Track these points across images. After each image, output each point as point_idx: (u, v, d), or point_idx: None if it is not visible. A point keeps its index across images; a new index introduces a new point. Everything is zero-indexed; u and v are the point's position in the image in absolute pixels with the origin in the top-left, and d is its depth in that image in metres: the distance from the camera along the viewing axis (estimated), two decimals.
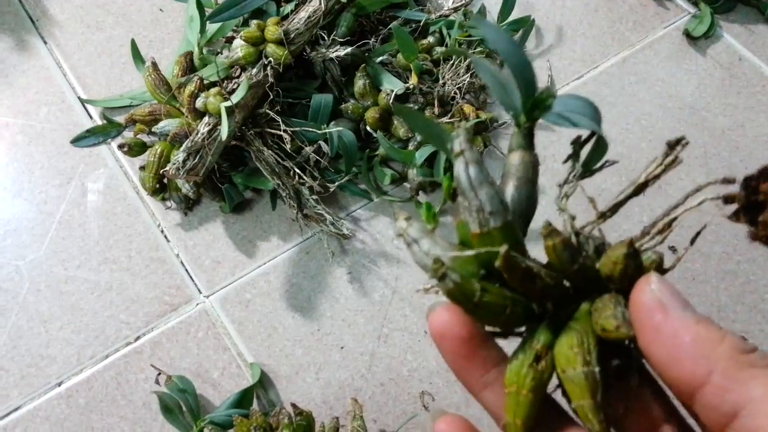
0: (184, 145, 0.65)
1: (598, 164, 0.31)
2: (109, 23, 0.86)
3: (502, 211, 0.27)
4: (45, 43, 0.85)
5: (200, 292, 0.71)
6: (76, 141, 0.77)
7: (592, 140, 0.31)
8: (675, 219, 0.28)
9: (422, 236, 0.30)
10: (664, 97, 0.84)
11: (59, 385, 0.66)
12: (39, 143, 0.78)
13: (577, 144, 0.31)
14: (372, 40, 0.77)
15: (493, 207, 0.27)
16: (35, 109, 0.80)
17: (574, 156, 0.31)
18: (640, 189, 0.30)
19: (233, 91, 0.68)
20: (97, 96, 0.81)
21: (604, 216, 0.30)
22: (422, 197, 0.75)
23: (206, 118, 0.67)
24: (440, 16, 0.82)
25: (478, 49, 0.80)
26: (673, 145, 0.29)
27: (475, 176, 0.28)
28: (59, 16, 0.87)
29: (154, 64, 0.75)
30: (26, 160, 0.77)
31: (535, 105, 0.29)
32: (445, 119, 0.73)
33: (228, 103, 0.64)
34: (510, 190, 0.31)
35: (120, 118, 0.79)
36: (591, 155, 0.31)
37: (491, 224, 0.27)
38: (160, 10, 0.87)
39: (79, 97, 0.81)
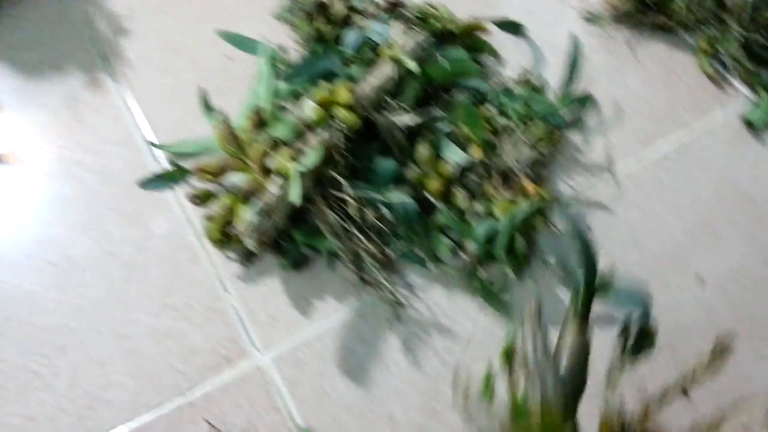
0: (255, 206, 0.67)
1: (644, 353, 0.32)
2: (180, 68, 0.88)
3: (560, 393, 0.29)
4: (117, 83, 0.87)
5: (255, 348, 0.72)
6: (144, 184, 0.79)
7: (640, 330, 0.32)
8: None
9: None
10: (721, 184, 0.84)
11: (113, 429, 0.67)
12: (107, 183, 0.80)
13: (624, 335, 0.32)
14: (436, 108, 0.78)
15: (552, 387, 0.29)
16: (105, 149, 0.82)
17: (621, 347, 0.32)
18: (684, 390, 0.31)
19: (302, 152, 0.70)
20: (164, 139, 0.83)
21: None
22: (479, 271, 0.76)
23: (277, 179, 0.68)
24: (502, 87, 0.84)
25: (538, 121, 0.81)
26: (718, 350, 0.30)
27: (539, 359, 0.29)
28: (132, 57, 0.89)
29: (226, 118, 0.76)
30: (94, 198, 0.79)
31: (594, 292, 0.31)
32: (505, 194, 0.74)
33: (301, 168, 0.66)
34: (564, 367, 0.32)
35: (186, 164, 0.80)
36: (638, 345, 0.32)
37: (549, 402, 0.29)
38: (229, 58, 0.89)
39: (147, 140, 0.82)
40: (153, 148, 0.82)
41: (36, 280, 0.74)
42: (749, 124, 0.88)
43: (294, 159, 0.69)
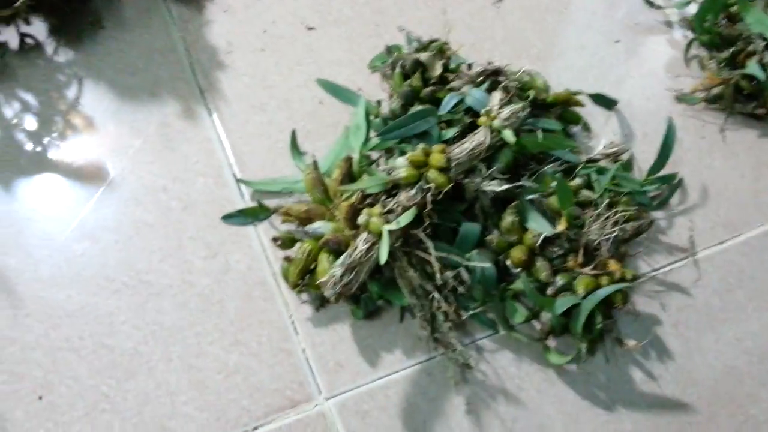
0: (341, 260, 0.68)
1: None
2: (272, 107, 0.91)
3: None
4: (210, 114, 0.90)
5: (320, 393, 0.72)
6: (227, 218, 0.81)
7: None
8: None
9: None
10: None
11: None
12: (191, 212, 0.82)
13: None
14: (526, 177, 0.78)
15: None
16: (192, 178, 0.84)
17: None
18: None
19: (391, 211, 0.70)
20: (250, 176, 0.85)
21: None
22: (551, 340, 0.75)
23: (365, 235, 0.69)
24: (590, 160, 0.84)
25: (624, 198, 0.80)
26: None
27: None
28: (227, 91, 0.92)
29: (315, 164, 0.78)
30: (177, 226, 0.81)
31: None
32: (587, 269, 0.74)
33: (393, 227, 0.67)
34: None
35: (269, 202, 0.82)
36: None
37: None
38: (320, 103, 0.91)
39: (234, 175, 0.84)
40: (239, 183, 0.84)
41: (113, 302, 0.76)
42: None
43: (383, 217, 0.69)
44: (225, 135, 0.88)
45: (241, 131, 0.88)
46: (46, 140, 0.86)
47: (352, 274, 0.68)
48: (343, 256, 0.68)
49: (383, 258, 0.66)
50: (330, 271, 0.67)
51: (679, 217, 0.85)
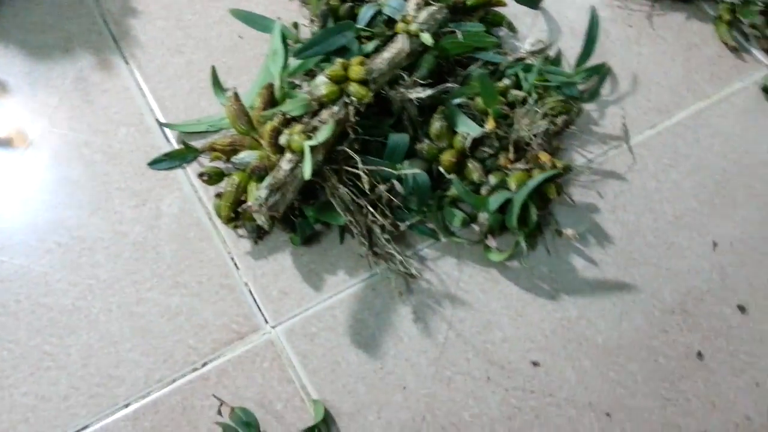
0: (266, 182, 0.66)
1: None
2: (190, 47, 0.88)
3: None
4: (126, 63, 0.87)
5: (267, 323, 0.71)
6: (154, 164, 0.79)
7: None
8: None
9: None
10: (740, 152, 0.82)
11: (126, 406, 0.67)
12: (116, 163, 0.80)
13: None
14: (450, 81, 0.77)
15: None
16: (114, 129, 0.82)
17: None
18: None
19: (315, 128, 0.69)
20: (174, 119, 0.82)
21: None
22: (491, 240, 0.75)
23: (288, 155, 0.67)
24: (517, 59, 0.82)
25: (553, 92, 0.79)
26: None
27: None
28: (141, 37, 0.89)
29: (236, 95, 0.76)
30: (104, 179, 0.79)
31: None
32: (519, 165, 0.73)
33: (313, 142, 0.65)
34: None
35: (197, 143, 0.80)
36: None
37: None
38: (240, 37, 0.88)
39: (157, 120, 0.82)
40: (163, 128, 0.82)
41: (47, 261, 0.74)
42: (767, 92, 0.86)
43: (306, 135, 0.68)
44: (144, 81, 0.85)
45: (160, 76, 0.86)
46: None
47: (278, 195, 0.66)
48: (267, 178, 0.66)
49: (307, 174, 0.64)
50: (256, 194, 0.66)
51: (611, 106, 0.85)
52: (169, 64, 0.86)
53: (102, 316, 0.71)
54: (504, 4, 0.87)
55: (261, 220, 0.70)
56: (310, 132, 0.68)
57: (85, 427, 0.66)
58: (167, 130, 0.82)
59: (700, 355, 0.71)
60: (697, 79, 0.88)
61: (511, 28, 0.89)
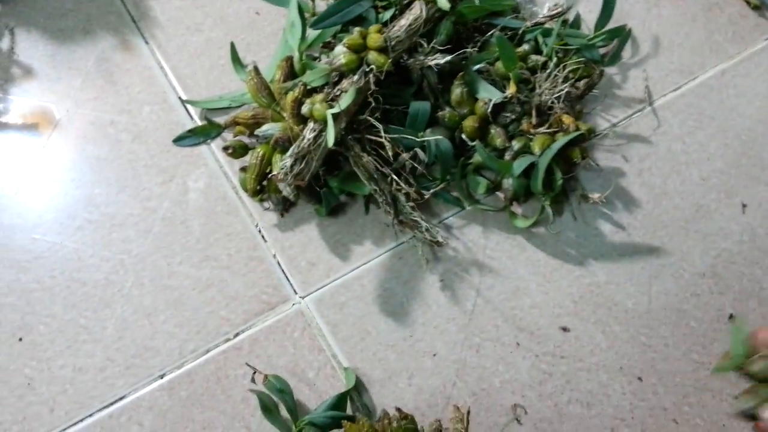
0: (290, 151, 0.66)
1: None
2: (208, 25, 0.88)
3: None
4: (147, 43, 0.87)
5: (296, 293, 0.72)
6: (178, 140, 0.80)
7: None
8: None
9: None
10: (765, 111, 0.81)
11: (162, 377, 0.68)
12: (142, 141, 0.80)
13: None
14: (469, 47, 0.76)
15: None
16: (138, 108, 0.82)
17: None
18: None
19: (336, 97, 0.69)
20: (196, 96, 0.83)
21: None
22: (515, 206, 0.74)
23: (311, 124, 0.68)
24: (535, 24, 0.81)
25: (573, 56, 0.79)
26: None
27: None
28: (160, 17, 0.89)
29: (256, 69, 0.76)
30: (130, 157, 0.79)
31: None
32: (542, 129, 0.73)
33: (335, 110, 0.65)
34: None
35: (220, 119, 0.80)
36: None
37: None
38: (257, 13, 0.88)
39: (180, 98, 0.83)
40: (186, 105, 0.82)
41: (78, 238, 0.75)
42: None
43: (328, 103, 0.68)
44: (164, 60, 0.86)
45: (180, 54, 0.86)
46: None
47: (303, 163, 0.67)
48: (292, 147, 0.67)
49: (330, 141, 0.65)
50: (280, 163, 0.66)
51: (633, 69, 0.83)
52: (189, 43, 0.87)
53: (135, 290, 0.72)
54: None
55: (286, 190, 0.70)
56: (331, 101, 0.68)
57: (122, 398, 0.68)
58: (190, 108, 0.82)
59: (731, 317, 0.71)
60: (719, 39, 0.86)
61: None
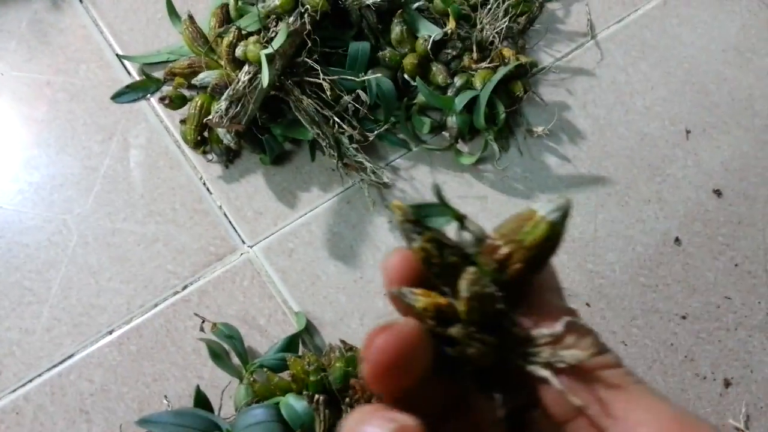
0: (225, 94, 0.65)
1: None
2: None
3: None
4: (80, 1, 0.84)
5: (244, 243, 0.71)
6: (117, 97, 0.77)
7: None
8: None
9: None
10: (707, 39, 0.81)
11: (110, 333, 0.67)
12: (80, 100, 0.78)
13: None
14: None
15: None
16: (75, 67, 0.80)
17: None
18: None
19: (272, 39, 0.67)
20: (134, 52, 0.80)
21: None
22: (461, 145, 0.74)
23: (246, 67, 0.66)
24: None
25: None
26: None
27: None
28: None
29: (191, 18, 0.74)
30: (68, 116, 0.77)
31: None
32: (484, 64, 0.71)
33: (268, 50, 0.63)
34: None
35: (159, 74, 0.78)
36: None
37: None
38: None
39: (117, 54, 0.80)
40: (123, 61, 0.80)
41: (20, 201, 0.73)
42: None
43: (262, 45, 0.66)
44: (99, 18, 0.83)
45: (116, 10, 0.83)
46: None
47: (239, 106, 0.65)
48: (227, 90, 0.65)
49: (265, 81, 0.63)
50: (215, 107, 0.64)
51: (575, 3, 0.82)
52: None
53: (79, 249, 0.70)
54: None
55: (227, 137, 0.69)
56: (266, 43, 0.66)
57: (71, 356, 0.66)
58: (128, 64, 0.80)
59: (677, 240, 0.71)
60: None
61: None
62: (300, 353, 0.64)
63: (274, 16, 0.70)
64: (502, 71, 0.68)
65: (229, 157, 0.74)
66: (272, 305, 0.68)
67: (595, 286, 0.69)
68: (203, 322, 0.65)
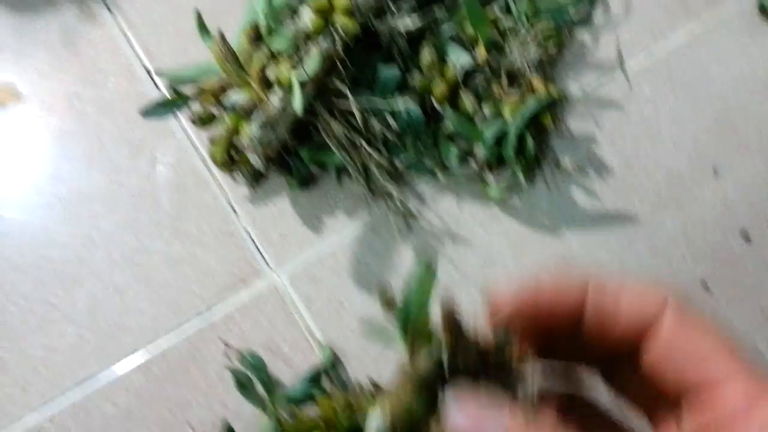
0: (257, 118, 0.61)
1: None
2: None
3: None
4: (110, 12, 0.80)
5: (269, 267, 0.67)
6: (146, 113, 0.73)
7: None
8: None
9: None
10: (737, 75, 0.76)
11: (135, 354, 0.64)
12: (108, 114, 0.74)
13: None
14: (439, 10, 0.70)
15: None
16: (103, 80, 0.76)
17: None
18: None
19: (302, 61, 0.63)
20: (163, 66, 0.76)
21: None
22: (489, 176, 0.70)
23: (278, 90, 0.62)
24: None
25: (544, 19, 0.73)
26: None
27: None
28: None
29: (222, 36, 0.69)
30: (96, 130, 0.73)
31: None
32: (513, 94, 0.67)
33: (302, 75, 0.59)
34: None
35: (188, 90, 0.74)
36: None
37: None
38: None
39: (146, 68, 0.76)
40: (152, 76, 0.76)
41: (46, 214, 0.69)
42: (764, 11, 0.79)
43: (294, 68, 0.62)
44: (129, 30, 0.79)
45: (145, 23, 0.79)
46: None
47: (270, 131, 0.61)
48: (257, 114, 0.61)
49: (298, 107, 0.59)
50: (247, 131, 0.61)
51: (605, 33, 0.78)
52: (153, 11, 0.80)
53: (105, 267, 0.67)
54: None
55: (256, 160, 0.65)
56: (297, 65, 0.62)
57: (95, 376, 0.63)
58: (157, 78, 0.76)
59: (704, 284, 0.67)
60: (692, 0, 0.81)
61: None
62: (324, 385, 0.61)
63: (304, 37, 0.66)
64: (534, 104, 0.64)
65: (256, 178, 0.70)
66: (296, 333, 0.65)
67: None
68: (229, 349, 0.62)
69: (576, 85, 0.75)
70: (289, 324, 0.65)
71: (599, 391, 0.33)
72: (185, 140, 0.73)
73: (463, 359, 0.26)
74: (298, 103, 0.59)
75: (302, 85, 0.60)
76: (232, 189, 0.71)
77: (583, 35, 0.77)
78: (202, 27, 0.77)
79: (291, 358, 0.64)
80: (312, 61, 0.60)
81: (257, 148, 0.60)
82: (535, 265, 0.67)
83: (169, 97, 0.74)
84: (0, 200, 0.70)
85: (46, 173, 0.71)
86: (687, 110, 0.75)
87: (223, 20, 0.78)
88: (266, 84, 0.64)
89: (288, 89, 0.61)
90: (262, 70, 0.63)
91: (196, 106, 0.73)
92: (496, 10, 0.73)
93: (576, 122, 0.73)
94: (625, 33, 0.78)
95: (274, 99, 0.61)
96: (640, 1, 0.80)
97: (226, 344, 0.63)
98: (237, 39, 0.73)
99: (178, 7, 0.80)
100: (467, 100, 0.67)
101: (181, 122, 0.74)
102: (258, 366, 0.61)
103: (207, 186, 0.71)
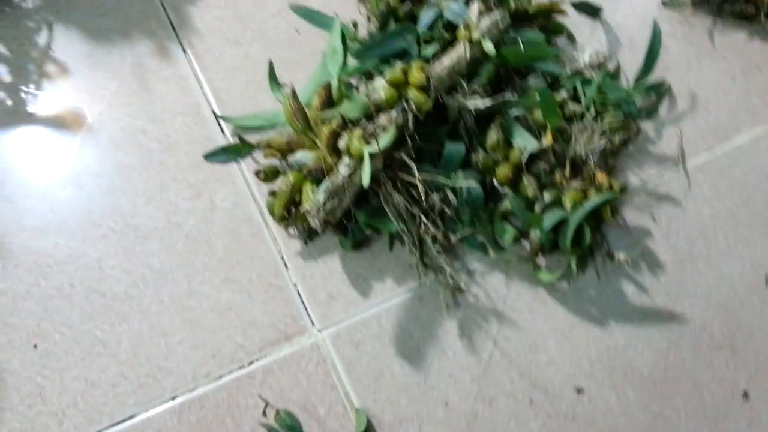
0: (324, 186, 0.61)
1: None
2: (247, 39, 0.82)
3: None
4: (184, 51, 0.81)
5: (314, 325, 0.67)
6: (209, 156, 0.74)
7: None
8: None
9: None
10: None
11: (173, 399, 0.64)
12: (173, 153, 0.75)
13: None
14: (508, 91, 0.71)
15: None
16: (171, 119, 0.77)
17: None
18: None
19: (374, 133, 0.64)
20: (230, 111, 0.78)
21: None
22: (540, 259, 0.69)
23: (347, 160, 0.63)
24: (575, 71, 0.76)
25: (611, 109, 0.73)
26: None
27: None
28: (199, 25, 0.83)
29: (294, 94, 0.70)
30: (159, 168, 0.74)
31: None
32: (575, 183, 0.67)
33: (373, 149, 0.60)
34: None
35: (251, 138, 0.75)
36: None
37: None
38: (297, 31, 0.83)
39: (214, 112, 0.77)
40: (219, 120, 0.77)
41: (101, 247, 0.70)
42: None
43: (365, 140, 0.63)
44: (200, 71, 0.80)
45: (217, 66, 0.80)
46: (21, 90, 0.78)
47: (336, 200, 0.62)
48: (325, 182, 0.61)
49: (366, 180, 0.60)
50: (313, 198, 0.61)
51: (668, 126, 0.78)
52: (226, 55, 0.81)
53: (153, 306, 0.68)
54: (565, 13, 0.80)
55: (315, 223, 0.65)
56: (368, 137, 0.63)
57: (132, 417, 0.63)
58: (223, 123, 0.77)
59: (746, 394, 0.66)
60: (756, 102, 0.81)
61: (571, 37, 0.82)
62: None
63: (376, 107, 0.67)
64: (596, 200, 0.64)
65: (310, 235, 0.71)
66: (333, 396, 0.64)
67: (659, 429, 0.65)
68: (266, 406, 0.62)
69: (636, 176, 0.75)
70: (327, 385, 0.65)
71: None
72: (245, 188, 0.73)
73: None
74: (367, 176, 0.59)
75: (372, 157, 0.61)
76: (285, 242, 0.71)
77: (647, 126, 0.77)
78: (273, 79, 0.78)
79: (326, 421, 0.63)
80: (386, 137, 0.61)
81: (321, 215, 0.60)
82: (579, 356, 0.67)
83: (233, 143, 0.75)
84: (57, 227, 0.71)
85: (104, 205, 0.72)
86: (743, 213, 0.74)
87: (293, 72, 0.80)
88: (335, 151, 0.64)
89: (358, 161, 0.61)
90: (333, 136, 0.64)
91: (259, 156, 0.74)
92: (563, 93, 0.73)
93: (632, 214, 0.73)
94: (689, 129, 0.78)
95: (343, 168, 0.61)
96: (707, 99, 0.80)
97: (264, 400, 0.62)
98: (307, 95, 0.74)
99: (251, 54, 0.81)
100: (529, 185, 0.67)
101: (242, 169, 0.74)
102: (293, 426, 0.61)
103: (261, 236, 0.71)
